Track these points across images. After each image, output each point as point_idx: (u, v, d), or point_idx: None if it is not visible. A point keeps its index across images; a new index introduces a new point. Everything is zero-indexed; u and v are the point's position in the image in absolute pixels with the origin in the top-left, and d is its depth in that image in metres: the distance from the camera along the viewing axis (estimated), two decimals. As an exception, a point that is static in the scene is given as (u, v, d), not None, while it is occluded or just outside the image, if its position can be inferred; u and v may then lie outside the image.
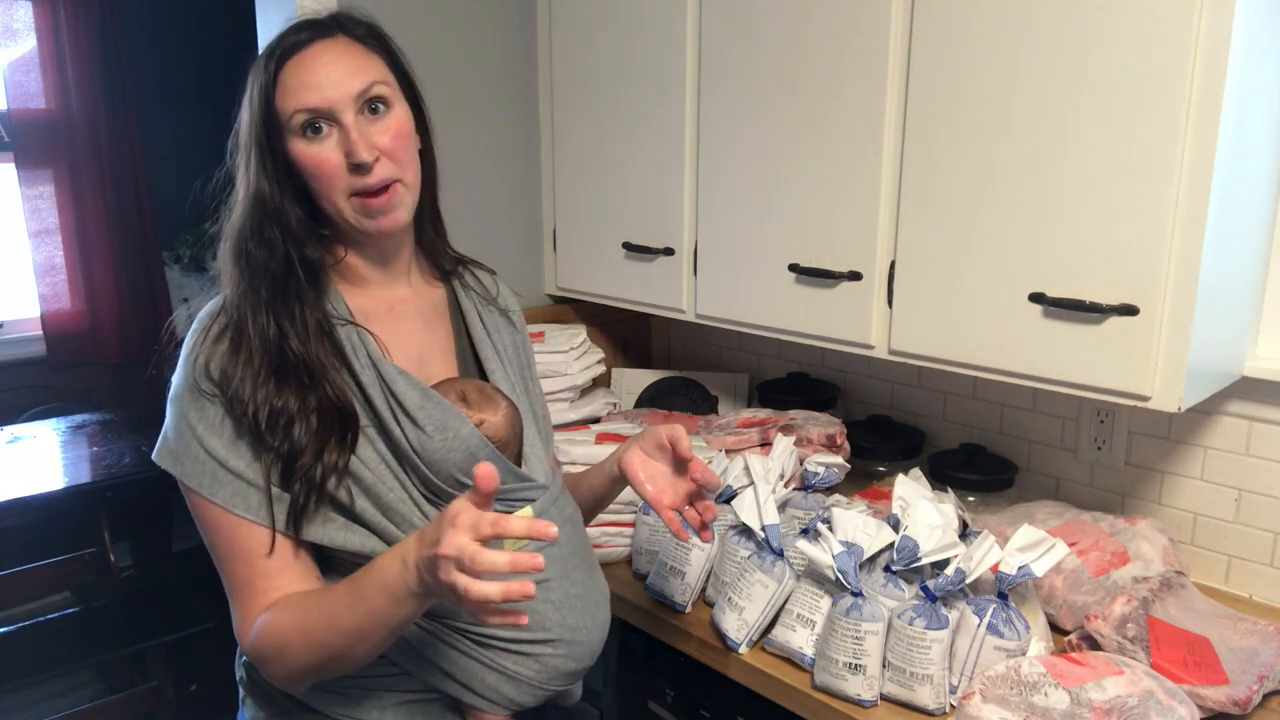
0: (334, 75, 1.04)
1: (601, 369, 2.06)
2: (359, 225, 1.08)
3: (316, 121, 1.04)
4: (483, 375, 1.23)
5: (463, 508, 0.85)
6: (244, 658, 1.16)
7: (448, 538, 0.83)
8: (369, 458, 1.06)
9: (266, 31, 1.83)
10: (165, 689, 2.56)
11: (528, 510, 1.00)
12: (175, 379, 1.05)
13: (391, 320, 1.15)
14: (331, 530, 1.04)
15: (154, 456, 1.05)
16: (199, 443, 1.02)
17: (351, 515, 1.05)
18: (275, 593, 1.02)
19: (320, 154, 1.04)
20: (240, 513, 1.01)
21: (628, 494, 1.62)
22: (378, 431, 1.08)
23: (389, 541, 1.05)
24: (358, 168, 1.04)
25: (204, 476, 1.02)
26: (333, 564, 1.08)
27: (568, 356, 1.96)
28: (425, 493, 1.08)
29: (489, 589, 0.82)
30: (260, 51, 1.07)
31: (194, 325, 1.07)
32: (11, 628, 2.70)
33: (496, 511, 1.04)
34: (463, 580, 0.83)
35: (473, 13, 2.01)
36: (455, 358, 1.22)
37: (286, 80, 1.04)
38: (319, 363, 1.05)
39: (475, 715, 1.14)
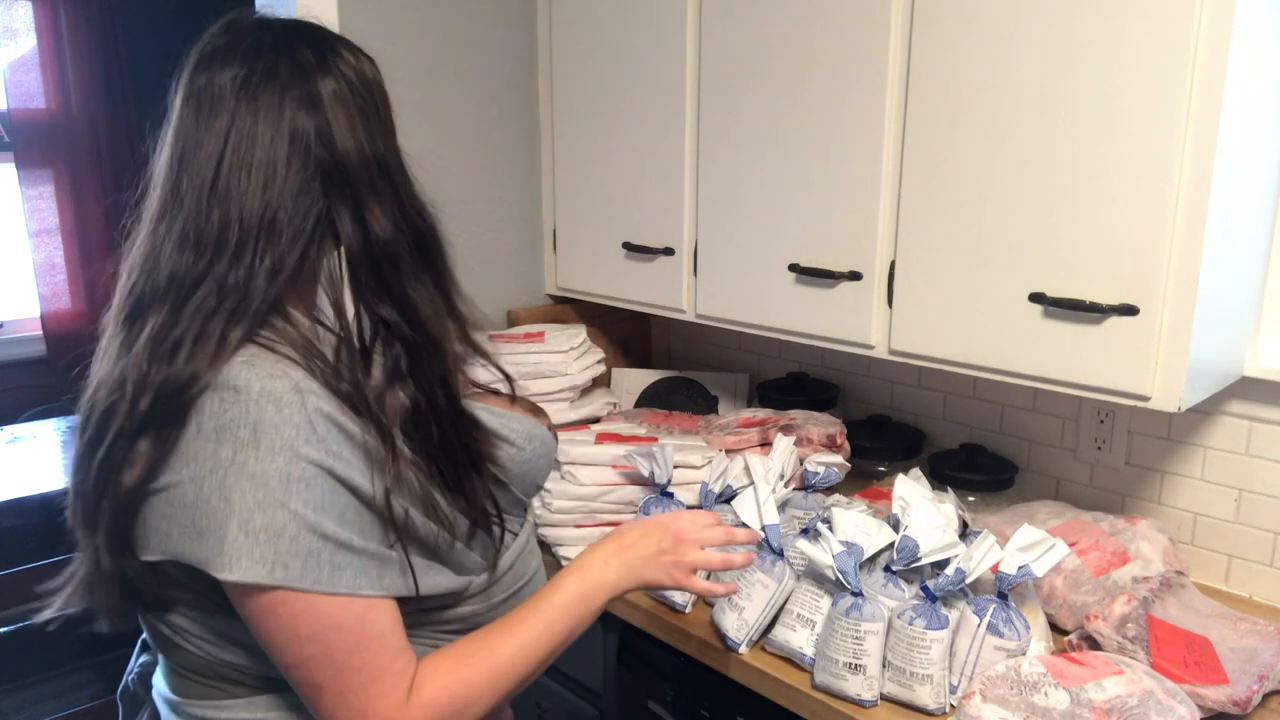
0: None
1: (601, 369, 2.06)
2: None
3: None
4: None
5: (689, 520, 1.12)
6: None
7: (689, 528, 1.10)
8: None
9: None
10: (165, 689, 2.56)
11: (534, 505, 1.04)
12: None
13: None
14: (433, 575, 0.94)
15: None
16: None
17: (435, 554, 0.95)
18: (412, 664, 0.90)
19: None
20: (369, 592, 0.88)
21: (627, 494, 1.62)
22: None
23: (456, 569, 0.97)
24: None
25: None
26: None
27: (568, 356, 1.96)
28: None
29: (735, 559, 1.11)
30: (355, 53, 0.97)
31: None
32: (11, 628, 2.70)
33: (531, 500, 1.13)
34: (703, 556, 1.08)
35: (473, 13, 2.01)
36: None
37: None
38: None
39: None
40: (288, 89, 0.89)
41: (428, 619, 0.96)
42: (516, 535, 1.06)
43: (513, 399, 1.12)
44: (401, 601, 0.90)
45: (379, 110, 0.96)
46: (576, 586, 1.01)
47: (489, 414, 1.02)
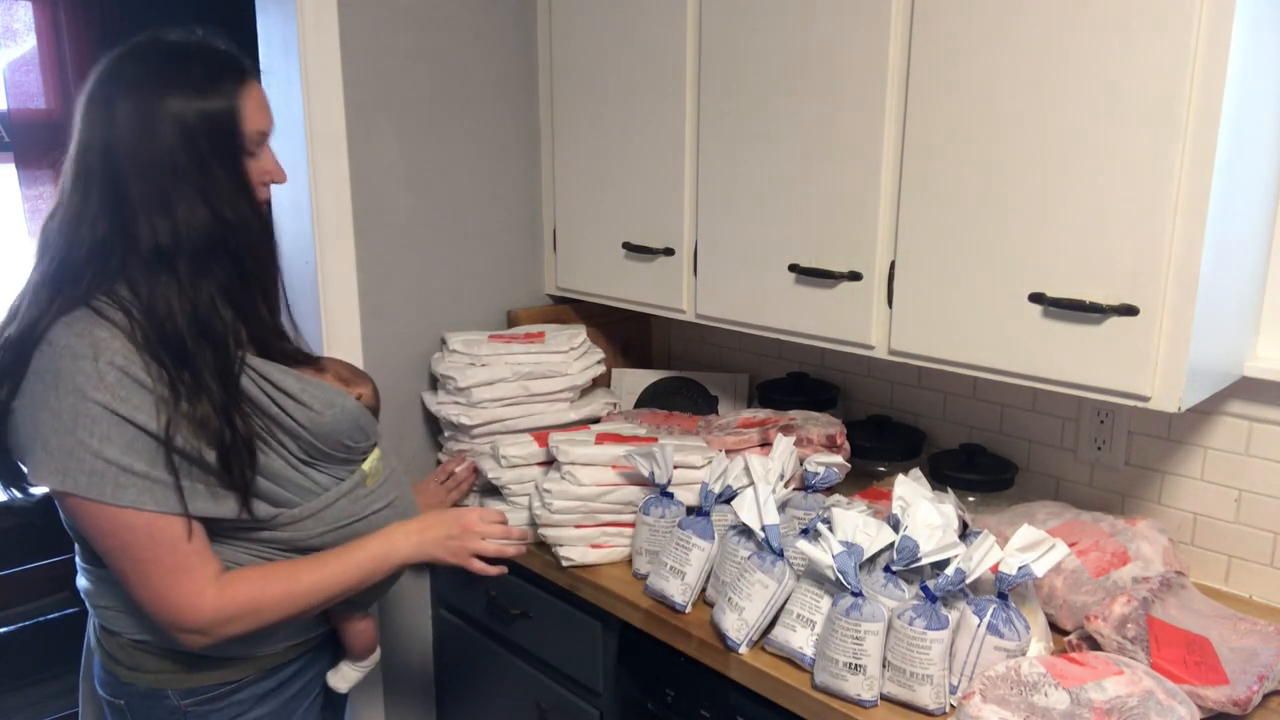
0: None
1: (601, 369, 2.06)
2: None
3: (264, 140, 1.20)
4: None
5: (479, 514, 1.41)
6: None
7: (475, 523, 1.38)
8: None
9: (266, 31, 1.83)
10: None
11: (377, 451, 1.32)
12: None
13: None
14: (216, 502, 1.14)
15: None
16: None
17: (225, 485, 1.15)
18: (211, 564, 1.14)
19: (264, 164, 1.21)
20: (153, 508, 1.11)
21: (627, 494, 1.62)
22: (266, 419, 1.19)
23: (267, 500, 1.18)
24: (269, 186, 1.23)
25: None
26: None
27: (568, 357, 1.96)
28: (306, 459, 1.22)
29: (507, 549, 1.40)
30: (207, 86, 1.12)
31: None
32: (11, 628, 2.69)
33: (354, 456, 1.30)
34: (482, 544, 1.37)
35: (473, 12, 2.01)
36: None
37: (248, 104, 1.16)
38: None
39: (342, 620, 1.37)
40: (109, 88, 1.10)
41: (246, 535, 1.20)
42: (343, 481, 1.26)
43: (320, 369, 1.33)
44: (215, 520, 1.14)
45: (195, 139, 1.10)
46: (377, 550, 1.27)
47: (297, 380, 1.20)
